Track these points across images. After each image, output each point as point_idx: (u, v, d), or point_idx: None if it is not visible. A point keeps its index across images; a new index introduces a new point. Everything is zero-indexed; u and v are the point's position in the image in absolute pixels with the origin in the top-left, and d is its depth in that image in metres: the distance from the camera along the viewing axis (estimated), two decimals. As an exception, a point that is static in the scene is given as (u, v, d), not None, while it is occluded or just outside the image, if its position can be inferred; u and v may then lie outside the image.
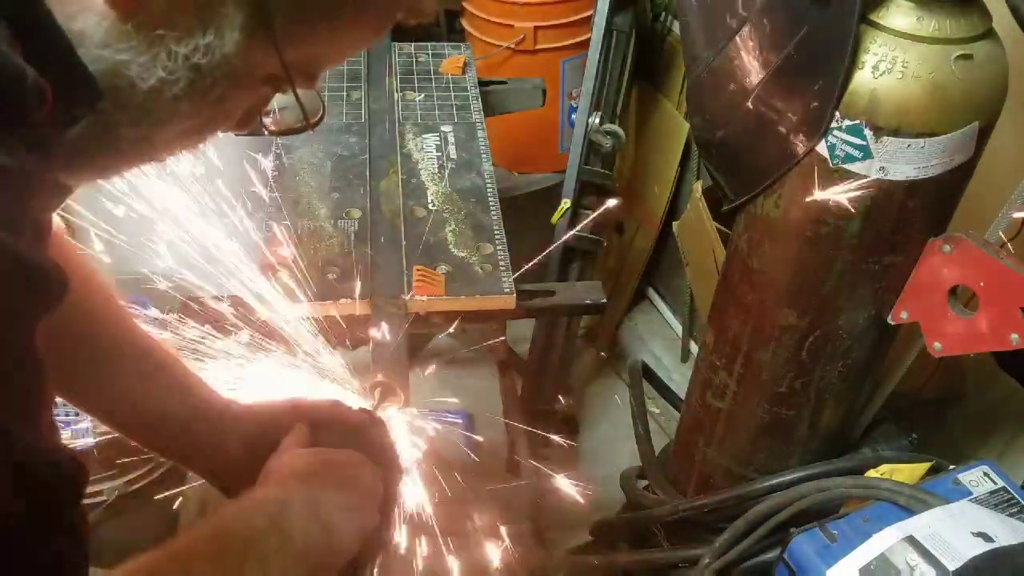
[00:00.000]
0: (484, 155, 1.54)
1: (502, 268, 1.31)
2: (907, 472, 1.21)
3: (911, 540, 1.02)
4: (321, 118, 0.72)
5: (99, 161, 0.62)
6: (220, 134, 0.73)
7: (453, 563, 1.48)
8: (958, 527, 1.02)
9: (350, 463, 0.83)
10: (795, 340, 1.23)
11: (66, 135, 0.56)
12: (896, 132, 1.00)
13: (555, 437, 2.27)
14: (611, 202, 1.83)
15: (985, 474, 1.16)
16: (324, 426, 0.90)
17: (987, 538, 1.00)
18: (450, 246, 1.34)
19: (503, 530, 1.71)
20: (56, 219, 0.75)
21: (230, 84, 0.59)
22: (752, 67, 1.09)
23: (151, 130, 0.60)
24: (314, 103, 0.70)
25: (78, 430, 1.64)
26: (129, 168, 0.66)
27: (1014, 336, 1.05)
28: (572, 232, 2.00)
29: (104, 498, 1.75)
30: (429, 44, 1.83)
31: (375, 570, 0.86)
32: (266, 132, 0.72)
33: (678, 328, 2.55)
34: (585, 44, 2.02)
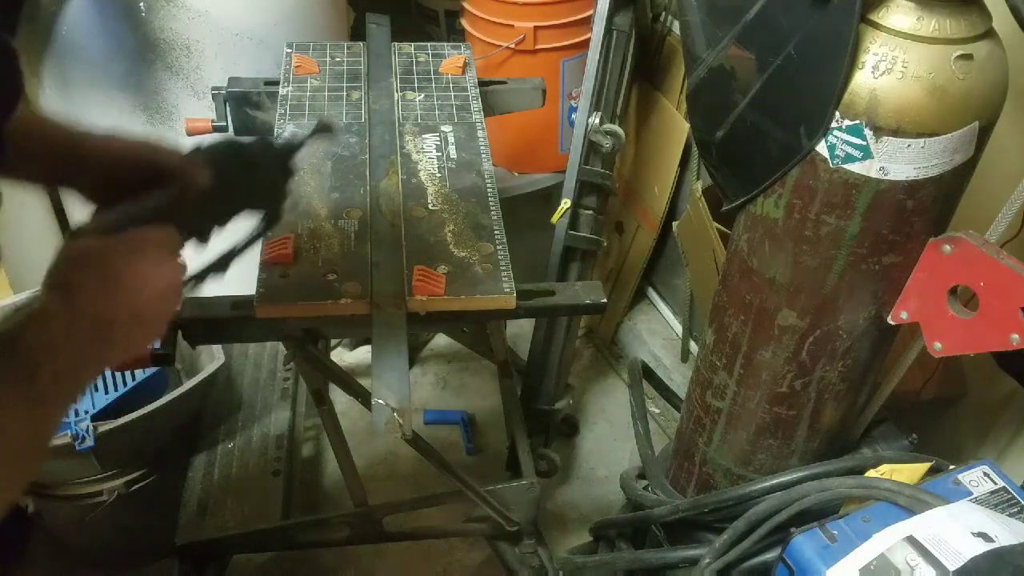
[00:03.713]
0: (484, 155, 1.54)
1: (502, 268, 1.31)
2: (907, 472, 1.21)
3: (911, 540, 1.02)
4: None
5: None
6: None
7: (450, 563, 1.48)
8: (958, 527, 1.02)
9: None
10: (795, 340, 1.23)
11: None
12: (896, 132, 1.00)
13: (555, 437, 2.28)
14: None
15: (985, 474, 1.16)
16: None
17: (987, 538, 1.01)
18: (450, 246, 1.34)
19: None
20: None
21: None
22: (752, 67, 1.09)
23: None
24: None
25: (79, 431, 1.64)
26: None
27: (1014, 336, 1.05)
28: (572, 232, 2.00)
29: (104, 498, 1.75)
30: (429, 44, 1.83)
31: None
32: None
33: (678, 328, 2.55)
34: (585, 44, 2.02)
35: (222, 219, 1.02)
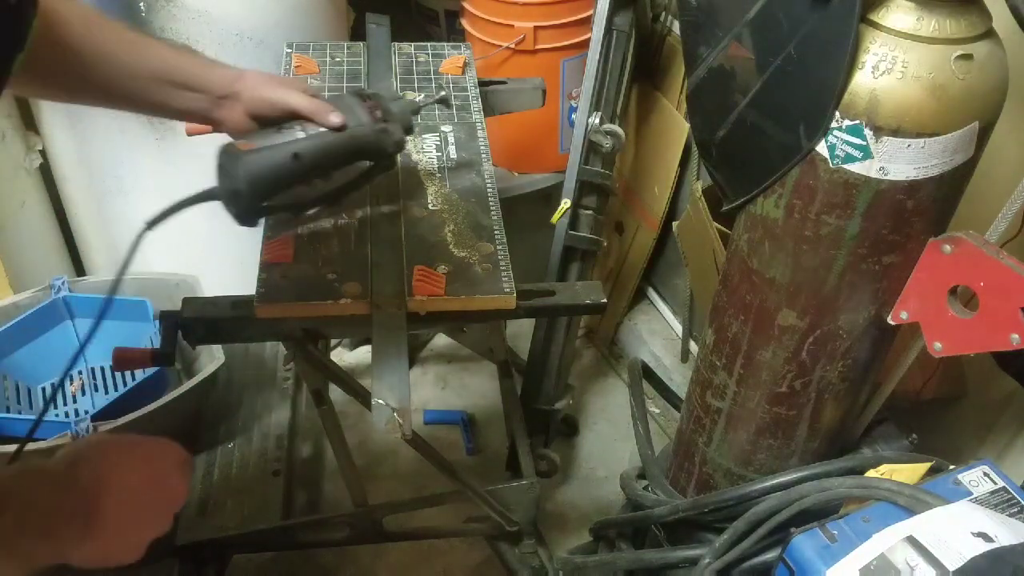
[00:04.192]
0: (484, 155, 1.54)
1: (502, 268, 1.31)
2: (907, 472, 1.21)
3: (911, 540, 1.02)
4: None
5: None
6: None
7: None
8: (958, 527, 1.02)
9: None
10: (795, 340, 1.23)
11: None
12: (896, 132, 1.00)
13: (555, 437, 2.28)
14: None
15: (985, 474, 1.16)
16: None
17: (987, 538, 1.01)
18: (450, 246, 1.34)
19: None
20: None
21: None
22: (752, 67, 1.09)
23: None
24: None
25: (78, 432, 1.64)
26: None
27: (1014, 336, 1.05)
28: (572, 232, 2.00)
29: (104, 498, 1.74)
30: (429, 44, 1.83)
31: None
32: None
33: (678, 328, 2.55)
34: (585, 44, 2.02)
35: (344, 162, 1.14)
